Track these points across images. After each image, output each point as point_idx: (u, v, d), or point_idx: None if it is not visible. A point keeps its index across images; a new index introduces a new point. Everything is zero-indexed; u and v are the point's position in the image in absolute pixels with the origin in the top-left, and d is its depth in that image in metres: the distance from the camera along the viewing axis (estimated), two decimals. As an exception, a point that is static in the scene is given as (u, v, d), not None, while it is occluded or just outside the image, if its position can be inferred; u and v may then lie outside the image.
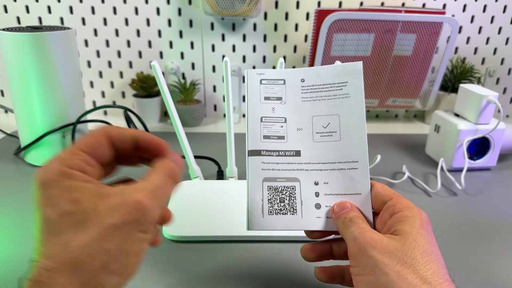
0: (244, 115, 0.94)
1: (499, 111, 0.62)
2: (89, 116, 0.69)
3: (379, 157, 0.64)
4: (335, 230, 0.34)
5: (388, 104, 0.92)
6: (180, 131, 0.56)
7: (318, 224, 0.34)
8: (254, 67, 0.91)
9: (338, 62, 0.38)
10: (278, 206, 0.34)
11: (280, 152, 0.35)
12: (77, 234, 0.24)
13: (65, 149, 0.27)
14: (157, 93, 0.88)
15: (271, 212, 0.34)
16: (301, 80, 0.37)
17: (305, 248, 0.36)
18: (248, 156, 0.35)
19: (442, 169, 0.66)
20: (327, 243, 0.36)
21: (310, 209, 0.34)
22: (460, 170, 0.64)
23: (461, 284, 0.41)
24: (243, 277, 0.42)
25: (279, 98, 0.36)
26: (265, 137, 0.35)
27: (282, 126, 0.36)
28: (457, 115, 0.69)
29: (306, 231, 0.35)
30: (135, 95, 0.89)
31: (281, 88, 0.37)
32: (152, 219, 0.26)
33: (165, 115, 0.94)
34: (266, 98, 0.36)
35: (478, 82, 0.91)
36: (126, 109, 0.68)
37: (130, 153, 0.31)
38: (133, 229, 0.25)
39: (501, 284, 0.42)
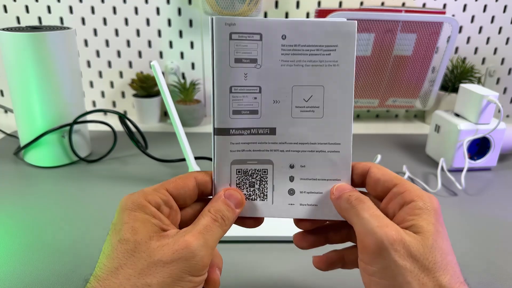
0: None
1: (499, 111, 0.62)
2: (88, 117, 0.69)
3: (379, 157, 0.63)
4: (308, 217, 0.31)
5: (388, 104, 0.92)
6: (180, 131, 0.55)
7: (290, 212, 0.31)
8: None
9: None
10: (247, 191, 0.31)
11: (252, 130, 0.30)
12: (126, 263, 0.25)
13: (154, 186, 0.29)
14: (157, 93, 0.88)
15: None
16: (282, 36, 0.29)
17: (297, 236, 0.33)
18: (214, 135, 0.30)
19: (442, 169, 0.66)
20: (322, 230, 0.33)
21: (282, 195, 0.31)
22: (461, 170, 0.64)
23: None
24: (242, 277, 0.42)
25: (254, 60, 0.30)
26: (235, 112, 0.30)
27: (255, 98, 0.30)
28: (457, 115, 0.69)
29: (294, 221, 0.33)
30: (135, 95, 0.88)
31: (257, 46, 0.29)
32: (201, 259, 0.26)
33: (165, 115, 0.94)
34: (237, 60, 0.29)
35: (479, 82, 0.91)
36: (120, 115, 0.69)
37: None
38: (180, 270, 0.25)
39: (501, 284, 0.42)
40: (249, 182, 0.31)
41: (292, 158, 0.31)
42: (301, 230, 0.34)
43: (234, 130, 0.30)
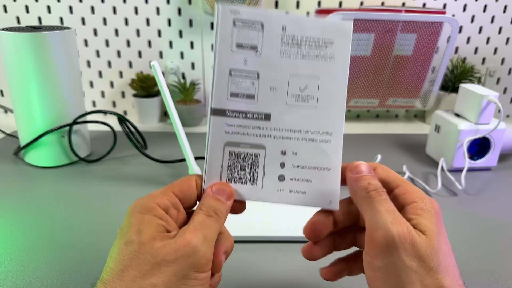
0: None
1: (499, 111, 0.62)
2: (88, 117, 0.69)
3: (379, 157, 0.64)
4: (296, 204, 0.32)
5: (388, 104, 0.92)
6: (180, 131, 0.55)
7: (278, 197, 0.32)
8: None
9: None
10: (238, 174, 0.31)
11: (247, 114, 0.31)
12: (131, 265, 0.25)
13: (161, 189, 0.29)
14: (157, 93, 0.88)
15: (229, 179, 0.31)
16: (283, 28, 0.31)
17: (306, 248, 0.34)
18: (210, 115, 0.31)
19: (442, 169, 0.66)
20: (328, 240, 0.33)
21: (272, 180, 0.32)
22: (461, 170, 0.64)
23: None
24: (242, 277, 0.42)
25: (254, 47, 0.31)
26: (233, 94, 0.31)
27: (253, 83, 0.31)
28: (457, 115, 0.69)
29: (304, 233, 0.32)
30: (134, 95, 0.88)
31: (258, 35, 0.31)
32: (203, 255, 0.26)
33: (165, 115, 0.94)
34: (239, 46, 0.31)
35: (479, 82, 0.91)
36: (119, 116, 0.69)
37: None
38: (184, 267, 0.25)
39: (501, 284, 0.42)
40: (240, 165, 0.32)
41: (284, 144, 0.32)
42: (308, 242, 0.34)
43: (230, 112, 0.31)
